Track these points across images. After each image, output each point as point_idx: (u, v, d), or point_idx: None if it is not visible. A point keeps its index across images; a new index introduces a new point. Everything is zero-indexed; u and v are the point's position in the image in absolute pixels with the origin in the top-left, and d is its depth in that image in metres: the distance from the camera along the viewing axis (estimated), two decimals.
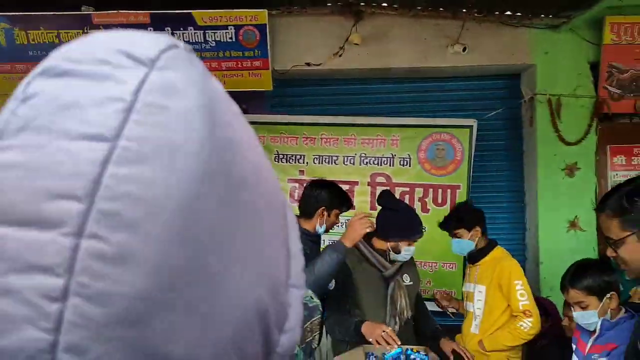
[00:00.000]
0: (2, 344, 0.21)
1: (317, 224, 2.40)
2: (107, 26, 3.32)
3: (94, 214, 0.21)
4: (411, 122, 3.57)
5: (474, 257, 2.61)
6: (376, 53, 3.52)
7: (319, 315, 1.38)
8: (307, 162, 3.66)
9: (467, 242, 2.57)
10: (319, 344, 1.45)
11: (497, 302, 2.46)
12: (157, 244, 0.22)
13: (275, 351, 0.31)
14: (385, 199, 2.43)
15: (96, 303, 0.21)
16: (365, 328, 2.09)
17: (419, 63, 3.55)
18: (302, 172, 3.68)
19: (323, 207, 2.37)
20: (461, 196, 3.50)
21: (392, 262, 2.31)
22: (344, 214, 2.55)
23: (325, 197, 2.41)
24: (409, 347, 2.11)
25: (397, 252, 2.27)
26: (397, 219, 2.31)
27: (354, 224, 2.15)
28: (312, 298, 1.38)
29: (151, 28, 3.28)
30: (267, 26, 3.26)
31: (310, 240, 2.38)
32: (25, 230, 0.21)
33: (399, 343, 2.07)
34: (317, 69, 3.51)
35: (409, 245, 2.28)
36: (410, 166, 3.58)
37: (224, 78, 3.40)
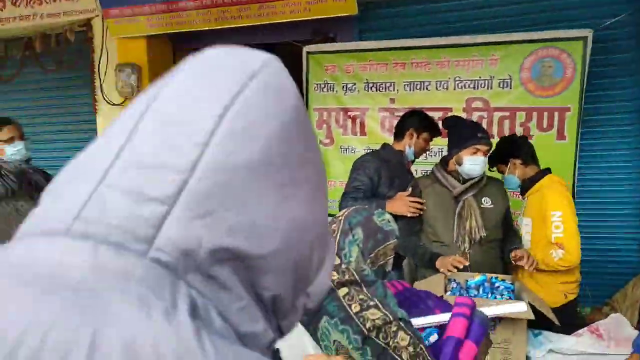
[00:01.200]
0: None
1: (407, 145, 2.70)
2: None
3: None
4: (513, 38, 3.21)
5: (523, 190, 2.53)
6: None
7: (395, 240, 1.37)
8: (397, 90, 3.52)
9: (509, 177, 2.50)
10: (394, 269, 1.46)
11: (542, 233, 2.34)
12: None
13: (307, 290, 0.39)
14: (448, 119, 2.68)
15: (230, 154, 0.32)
16: (439, 262, 2.19)
17: None
18: (392, 100, 3.55)
19: (411, 129, 2.67)
20: (571, 119, 3.15)
21: (465, 182, 2.34)
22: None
23: (414, 120, 2.73)
24: (494, 275, 2.05)
25: (460, 164, 2.31)
26: (455, 130, 2.46)
27: (403, 198, 2.37)
28: (389, 222, 1.37)
29: None
30: None
31: (397, 159, 2.68)
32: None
33: (466, 263, 2.07)
34: None
35: (472, 154, 2.28)
36: (511, 88, 3.27)
37: (307, 5, 3.32)
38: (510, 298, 1.94)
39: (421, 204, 2.37)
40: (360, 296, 1.26)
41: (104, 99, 4.18)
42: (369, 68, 3.56)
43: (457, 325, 1.42)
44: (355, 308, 1.25)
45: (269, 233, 0.33)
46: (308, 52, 3.70)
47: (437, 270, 2.19)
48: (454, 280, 2.09)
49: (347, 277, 1.29)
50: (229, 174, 0.32)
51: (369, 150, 3.62)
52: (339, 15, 3.29)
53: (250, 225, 0.32)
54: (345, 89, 3.64)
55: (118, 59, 4.07)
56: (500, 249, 2.39)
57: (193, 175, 0.31)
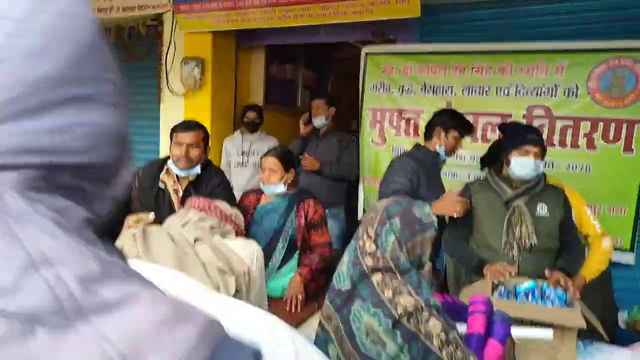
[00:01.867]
0: None
1: (437, 145, 2.64)
2: None
3: None
4: (582, 47, 3.09)
5: None
6: None
7: (433, 232, 1.38)
8: (455, 93, 3.47)
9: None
10: (431, 259, 1.46)
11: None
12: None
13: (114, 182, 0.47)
14: (504, 123, 2.72)
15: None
16: (487, 269, 2.12)
17: None
18: (449, 103, 3.50)
19: (439, 127, 2.62)
20: None
21: (517, 187, 2.25)
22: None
23: (441, 118, 2.66)
24: (545, 282, 1.97)
25: (509, 165, 2.24)
26: (507, 133, 2.40)
27: (448, 198, 2.31)
28: (429, 215, 1.39)
29: None
30: None
31: (432, 160, 2.64)
32: None
33: (513, 272, 2.02)
34: None
35: (521, 156, 2.20)
36: (576, 97, 3.15)
37: (370, 6, 3.35)
38: (561, 306, 1.86)
39: (469, 206, 2.30)
40: (394, 282, 1.28)
41: (169, 89, 4.39)
42: (427, 70, 3.54)
43: (476, 322, 1.42)
44: (388, 293, 1.27)
45: (74, 136, 0.39)
46: (367, 53, 3.72)
47: (484, 276, 2.14)
48: (502, 285, 2.04)
49: (381, 263, 1.31)
50: (27, 87, 0.37)
51: None
52: (401, 17, 3.29)
53: (51, 130, 0.38)
54: (401, 90, 3.63)
55: (184, 52, 4.26)
56: (555, 260, 2.26)
57: None
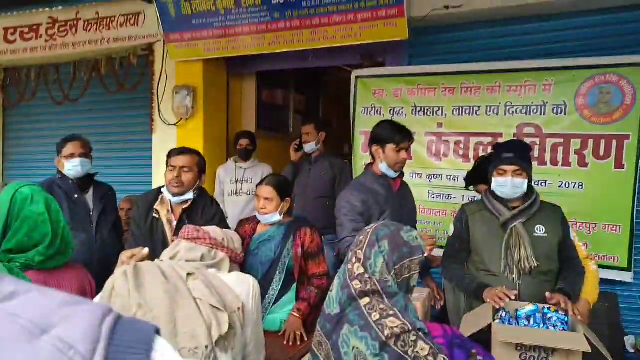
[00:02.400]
0: None
1: (379, 163, 2.47)
2: None
3: None
4: (568, 64, 3.15)
5: None
6: None
7: (420, 256, 1.39)
8: (445, 114, 3.50)
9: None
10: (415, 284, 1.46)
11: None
12: None
13: None
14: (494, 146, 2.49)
15: None
16: (486, 294, 2.09)
17: None
18: (440, 124, 3.54)
19: (373, 145, 2.47)
20: (630, 148, 3.02)
21: (512, 208, 2.22)
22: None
23: (372, 136, 2.49)
24: (546, 305, 1.95)
25: (490, 184, 2.24)
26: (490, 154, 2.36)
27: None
28: (416, 238, 1.40)
29: None
30: None
31: (380, 182, 2.47)
32: None
33: (512, 296, 1.99)
34: (458, 12, 3.27)
35: (497, 176, 2.20)
36: (565, 114, 3.18)
37: (359, 30, 3.39)
38: (563, 329, 1.84)
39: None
40: (381, 306, 1.29)
41: (161, 119, 4.39)
42: (417, 92, 3.57)
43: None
44: (375, 316, 1.27)
45: None
46: (357, 77, 3.76)
47: (484, 301, 2.10)
48: (503, 310, 2.01)
49: (369, 286, 1.32)
50: None
51: (413, 174, 3.60)
52: (390, 40, 3.34)
53: None
54: (392, 112, 3.66)
55: (176, 81, 4.28)
56: (556, 282, 2.19)
57: None
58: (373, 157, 2.51)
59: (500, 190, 2.20)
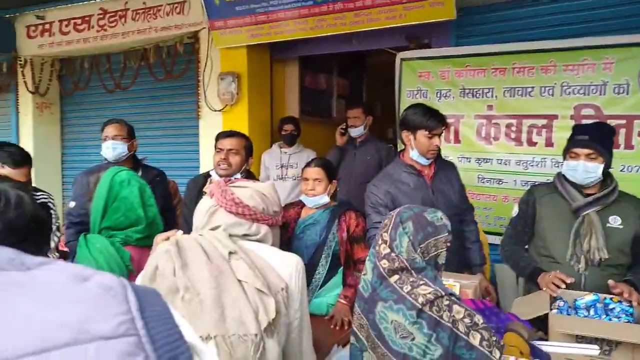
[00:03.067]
0: None
1: (410, 150, 2.34)
2: None
3: None
4: (631, 40, 2.93)
5: None
6: None
7: (446, 234, 1.44)
8: (496, 96, 3.36)
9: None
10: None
11: None
12: None
13: None
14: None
15: None
16: (540, 279, 2.01)
17: None
18: (490, 107, 3.40)
19: (403, 131, 2.35)
20: None
21: (587, 195, 2.07)
22: None
23: (404, 121, 2.35)
24: (609, 295, 1.85)
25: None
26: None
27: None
28: (441, 219, 1.46)
29: None
30: None
31: (408, 172, 2.34)
32: None
33: (568, 281, 1.92)
34: None
35: (568, 159, 2.07)
36: (628, 94, 2.98)
37: (404, 12, 3.29)
38: (628, 322, 1.74)
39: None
40: (411, 279, 1.35)
41: (207, 105, 4.46)
42: (465, 74, 3.44)
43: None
44: (406, 288, 1.34)
45: None
46: (402, 59, 3.66)
47: (539, 287, 2.02)
48: (561, 299, 1.92)
49: (397, 264, 1.37)
50: None
51: (462, 159, 3.50)
52: (437, 20, 3.22)
53: None
54: (439, 95, 3.55)
55: (221, 68, 4.32)
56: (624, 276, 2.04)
57: None
58: (404, 144, 2.39)
59: (571, 175, 2.07)
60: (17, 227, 0.96)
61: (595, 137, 2.05)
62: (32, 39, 5.39)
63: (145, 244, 1.72)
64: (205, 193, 2.40)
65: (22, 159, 2.57)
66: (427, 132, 2.26)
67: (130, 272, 1.69)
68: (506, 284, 2.87)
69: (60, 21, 5.15)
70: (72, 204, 2.68)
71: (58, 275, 0.48)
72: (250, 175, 2.60)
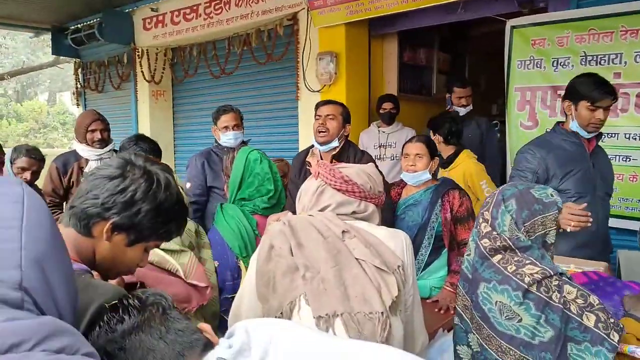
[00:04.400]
0: None
1: (570, 121, 2.23)
2: None
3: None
4: None
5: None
6: None
7: (555, 212, 1.35)
8: (625, 62, 2.97)
9: None
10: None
11: None
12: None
13: None
14: None
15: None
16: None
17: None
18: (618, 74, 3.02)
19: (566, 101, 2.24)
20: None
21: None
22: None
23: (567, 90, 2.24)
24: None
25: None
26: None
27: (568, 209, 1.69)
28: (551, 195, 1.37)
29: None
30: None
31: (569, 140, 2.23)
32: None
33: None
34: None
35: None
36: None
37: None
38: None
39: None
40: (515, 258, 1.28)
41: (306, 86, 4.51)
42: (588, 39, 3.08)
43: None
44: (511, 268, 1.27)
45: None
46: (513, 26, 3.38)
47: None
48: None
49: (499, 243, 1.32)
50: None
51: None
52: None
53: None
54: (556, 64, 3.22)
55: (319, 48, 4.33)
56: None
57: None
58: (566, 115, 2.27)
59: None
60: (165, 209, 1.01)
61: None
62: (148, 30, 5.84)
63: (270, 213, 1.95)
64: (309, 163, 2.61)
65: (160, 151, 2.75)
66: (589, 104, 2.13)
67: (256, 236, 1.97)
68: (635, 272, 2.56)
69: (172, 12, 5.51)
70: (187, 185, 2.87)
71: None
72: (350, 142, 2.70)
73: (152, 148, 2.60)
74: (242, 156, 2.04)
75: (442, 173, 2.96)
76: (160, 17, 5.67)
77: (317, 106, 2.67)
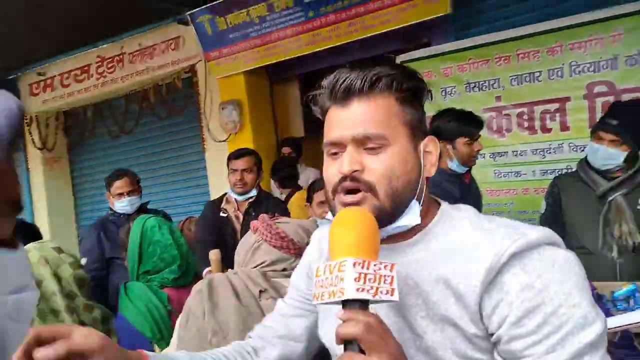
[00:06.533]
0: None
1: (448, 161, 2.19)
2: None
3: None
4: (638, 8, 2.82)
5: None
6: None
7: None
8: (503, 86, 3.25)
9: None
10: None
11: None
12: None
13: None
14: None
15: None
16: None
17: None
18: (498, 98, 3.28)
19: (442, 141, 2.11)
20: None
21: (611, 179, 1.97)
22: None
23: (440, 130, 2.18)
24: None
25: None
26: None
27: None
28: None
29: None
30: None
31: (448, 180, 2.19)
32: None
33: None
34: None
35: (592, 141, 2.00)
36: None
37: (398, 13, 3.25)
38: None
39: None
40: None
41: (211, 137, 4.42)
42: (469, 68, 3.35)
43: None
44: None
45: None
46: (402, 62, 3.58)
47: None
48: (593, 289, 1.75)
49: None
50: None
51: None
52: (432, 17, 3.16)
53: None
54: (444, 93, 3.45)
55: (220, 97, 4.30)
56: None
57: None
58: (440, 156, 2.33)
59: (591, 158, 2.01)
60: None
61: (626, 121, 1.94)
62: (36, 95, 5.47)
63: (181, 284, 1.82)
64: (224, 209, 2.68)
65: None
66: (467, 139, 2.17)
67: (170, 312, 1.75)
68: None
69: (61, 74, 5.23)
70: (83, 261, 2.62)
71: None
72: (263, 192, 2.84)
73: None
74: (137, 227, 1.87)
75: None
76: (49, 81, 5.36)
77: (230, 159, 2.74)
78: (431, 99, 0.88)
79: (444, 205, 0.86)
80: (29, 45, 4.60)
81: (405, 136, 0.79)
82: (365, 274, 0.64)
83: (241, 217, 2.70)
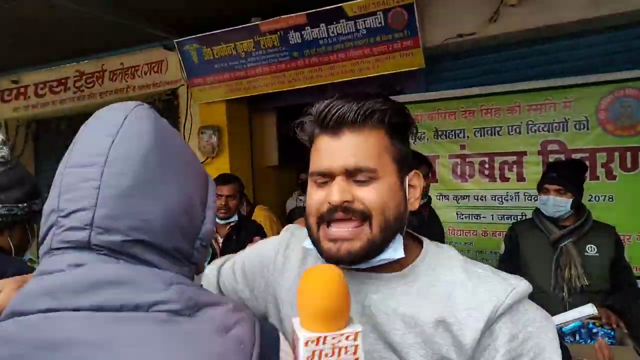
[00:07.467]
0: None
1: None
2: (273, 32, 3.68)
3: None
4: (587, 80, 3.20)
5: None
6: (539, 9, 3.16)
7: None
8: (467, 136, 3.56)
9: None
10: None
11: None
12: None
13: (199, 236, 0.66)
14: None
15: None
16: None
17: (591, 13, 3.12)
18: (463, 146, 3.59)
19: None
20: None
21: (563, 227, 2.24)
22: None
23: None
24: (591, 320, 1.95)
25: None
26: None
27: None
28: None
29: (308, 27, 3.54)
30: (415, 4, 3.24)
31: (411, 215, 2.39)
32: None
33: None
34: (471, 39, 3.36)
35: (540, 194, 2.28)
36: (588, 129, 3.22)
37: (377, 63, 3.50)
38: (612, 344, 1.84)
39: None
40: None
41: None
42: (437, 117, 3.65)
43: None
44: None
45: (155, 216, 0.60)
46: None
47: None
48: None
49: None
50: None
51: (440, 196, 3.64)
52: (407, 69, 3.44)
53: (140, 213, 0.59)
54: (414, 138, 3.71)
55: (200, 122, 4.42)
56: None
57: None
58: None
59: (543, 208, 2.27)
60: None
61: (564, 174, 2.25)
62: (7, 102, 5.40)
63: None
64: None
65: None
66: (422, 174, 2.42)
67: None
68: None
69: (36, 84, 5.20)
70: None
71: (206, 326, 0.57)
72: (243, 217, 2.98)
73: None
74: None
75: None
76: (22, 89, 5.31)
77: (215, 184, 2.81)
78: (416, 134, 0.92)
79: (425, 240, 0.88)
80: (4, 54, 4.59)
81: (394, 170, 0.80)
82: (321, 351, 0.61)
83: (221, 240, 2.85)
